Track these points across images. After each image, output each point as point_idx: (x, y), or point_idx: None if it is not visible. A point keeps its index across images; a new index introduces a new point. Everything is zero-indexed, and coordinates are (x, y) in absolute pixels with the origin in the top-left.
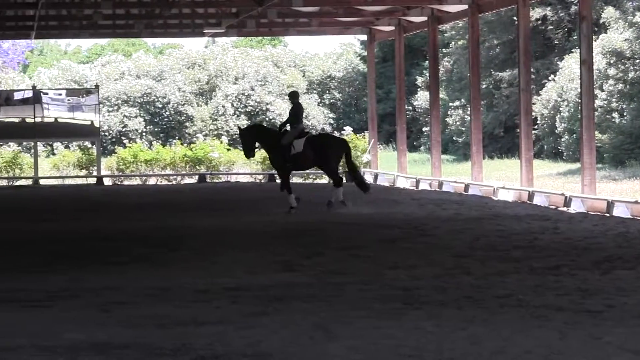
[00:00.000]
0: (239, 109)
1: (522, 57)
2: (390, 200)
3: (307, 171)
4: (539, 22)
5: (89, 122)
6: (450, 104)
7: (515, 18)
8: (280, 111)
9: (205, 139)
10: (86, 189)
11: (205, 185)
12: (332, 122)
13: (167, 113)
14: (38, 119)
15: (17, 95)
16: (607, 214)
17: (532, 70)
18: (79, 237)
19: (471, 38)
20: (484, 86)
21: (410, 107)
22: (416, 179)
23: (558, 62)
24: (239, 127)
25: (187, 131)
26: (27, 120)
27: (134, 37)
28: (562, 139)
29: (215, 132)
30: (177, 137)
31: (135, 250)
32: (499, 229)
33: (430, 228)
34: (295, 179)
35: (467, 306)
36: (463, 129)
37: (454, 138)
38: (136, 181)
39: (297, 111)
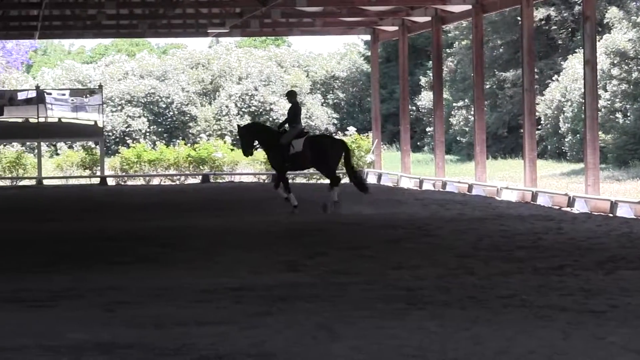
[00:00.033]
0: (243, 109)
1: (525, 57)
2: (393, 200)
3: (311, 171)
4: (543, 22)
5: (92, 122)
6: (454, 104)
7: (519, 18)
8: (283, 111)
9: (208, 139)
10: (90, 189)
11: (208, 186)
12: (335, 122)
13: (171, 113)
14: (42, 119)
15: (21, 96)
16: (611, 214)
17: (535, 70)
18: (83, 237)
19: (475, 38)
20: (487, 86)
21: (414, 107)
22: (420, 179)
23: (562, 62)
24: (238, 125)
25: (190, 131)
26: (31, 120)
27: (137, 37)
28: (566, 139)
29: (219, 132)
30: (180, 137)
31: (139, 250)
32: (502, 229)
33: (433, 228)
34: (298, 179)
35: (471, 306)
36: (467, 129)
37: (458, 138)
38: (140, 181)
39: (296, 111)
